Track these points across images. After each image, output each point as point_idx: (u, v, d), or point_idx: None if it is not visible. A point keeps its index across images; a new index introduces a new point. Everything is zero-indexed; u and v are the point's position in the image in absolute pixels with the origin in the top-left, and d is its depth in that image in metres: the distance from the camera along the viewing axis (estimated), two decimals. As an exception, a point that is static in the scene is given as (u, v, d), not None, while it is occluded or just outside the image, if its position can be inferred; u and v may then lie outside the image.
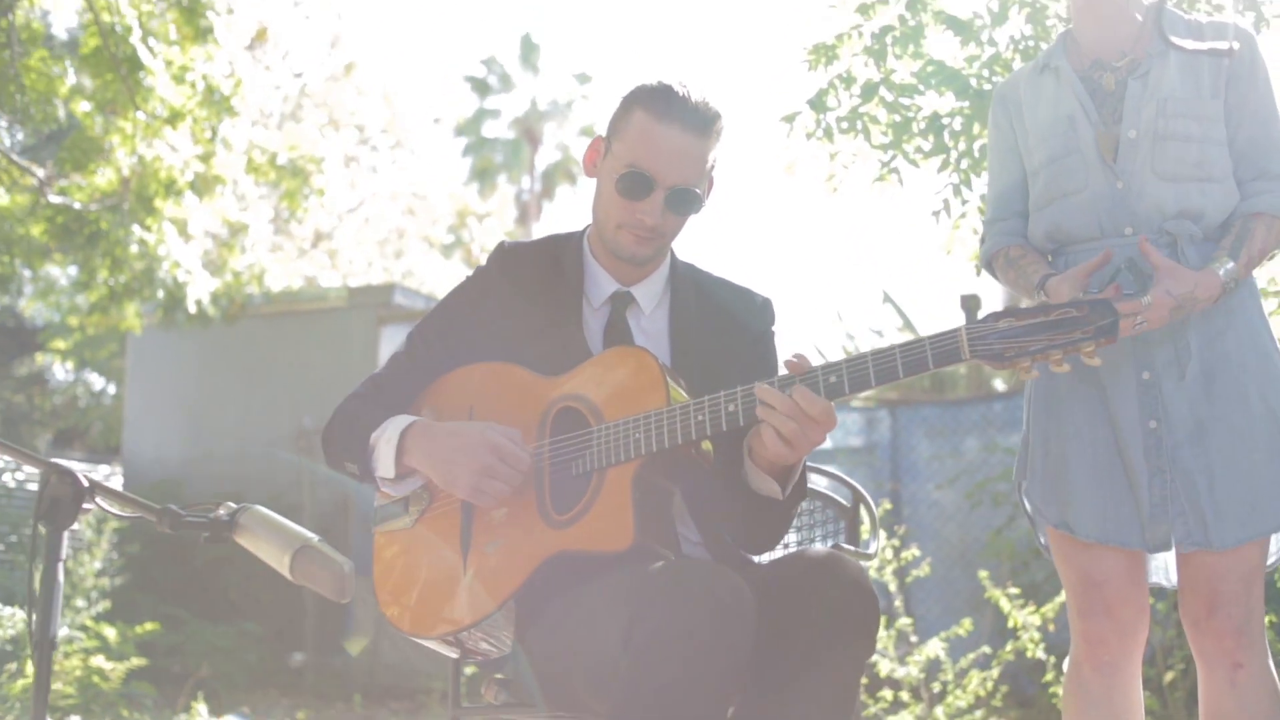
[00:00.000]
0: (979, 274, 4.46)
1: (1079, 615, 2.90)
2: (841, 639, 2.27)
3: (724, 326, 2.72)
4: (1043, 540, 3.04)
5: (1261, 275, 4.93)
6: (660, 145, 2.53)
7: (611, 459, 2.40)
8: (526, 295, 2.69)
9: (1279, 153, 2.85)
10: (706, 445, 2.45)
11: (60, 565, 2.00)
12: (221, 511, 2.11)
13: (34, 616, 1.93)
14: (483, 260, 2.83)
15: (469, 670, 5.24)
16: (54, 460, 2.06)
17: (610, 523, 2.37)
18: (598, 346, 2.65)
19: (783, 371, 2.36)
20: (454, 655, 2.68)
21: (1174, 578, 2.96)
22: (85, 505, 2.05)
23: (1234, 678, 2.76)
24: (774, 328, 2.80)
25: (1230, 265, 2.73)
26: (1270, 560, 2.85)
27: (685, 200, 2.57)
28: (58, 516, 2.01)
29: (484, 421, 2.52)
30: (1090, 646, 2.88)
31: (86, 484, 2.03)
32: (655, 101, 2.55)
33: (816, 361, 2.34)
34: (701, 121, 2.55)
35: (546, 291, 2.69)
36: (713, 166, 2.63)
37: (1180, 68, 2.86)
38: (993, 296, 10.96)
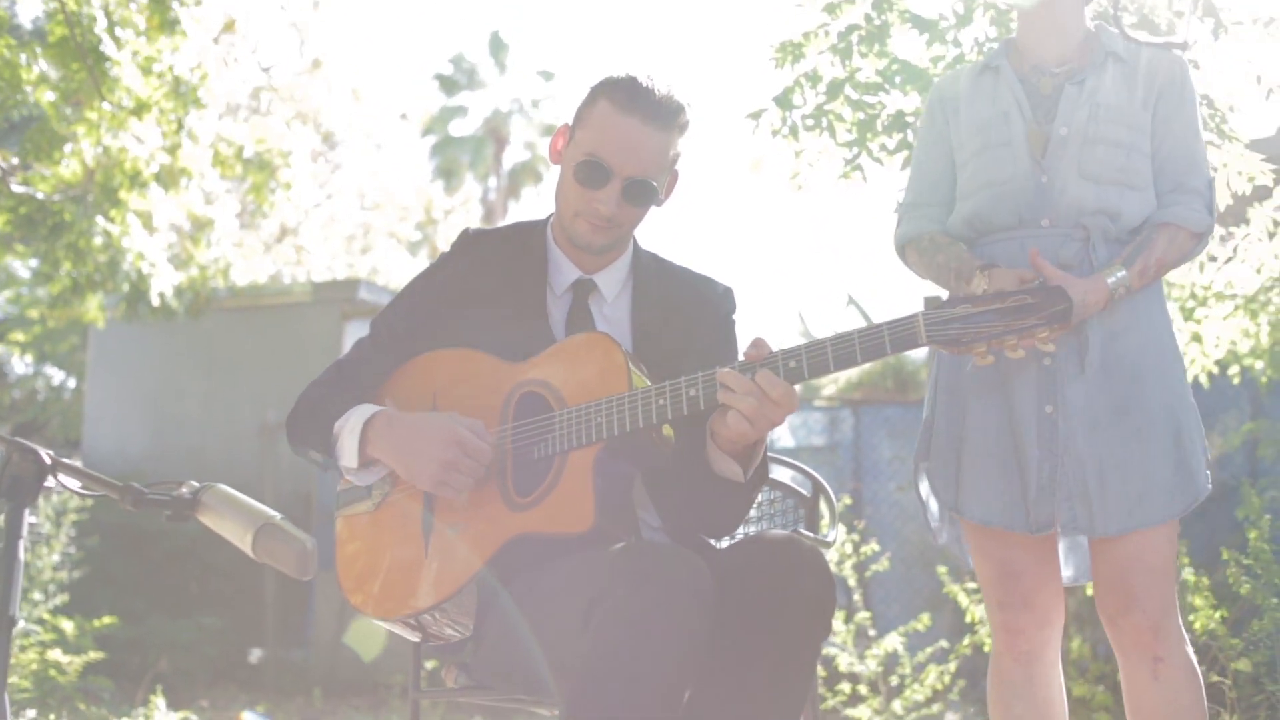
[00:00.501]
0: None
1: (998, 607, 2.98)
2: (798, 616, 2.31)
3: (685, 314, 2.75)
4: (933, 525, 3.12)
5: (1219, 279, 5.03)
6: (620, 136, 2.56)
7: (573, 442, 2.42)
8: (490, 282, 2.72)
9: (1197, 169, 2.97)
10: (668, 430, 2.48)
11: (20, 543, 2.00)
12: (184, 490, 2.11)
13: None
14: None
15: (430, 664, 5.25)
16: (16, 438, 2.06)
17: (571, 505, 2.39)
18: (560, 333, 2.67)
19: (743, 359, 2.39)
20: (416, 639, 2.69)
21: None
22: (47, 483, 2.05)
23: (1155, 670, 2.85)
24: (735, 315, 2.83)
25: (1122, 274, 2.84)
26: None
27: (642, 191, 2.60)
28: (19, 493, 2.01)
29: (447, 413, 2.53)
30: (1010, 637, 2.96)
31: (49, 461, 2.03)
32: (619, 92, 2.58)
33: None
34: (664, 114, 2.58)
35: (510, 278, 2.72)
36: (675, 160, 2.66)
37: (1116, 79, 2.98)
38: (956, 300, 11.02)
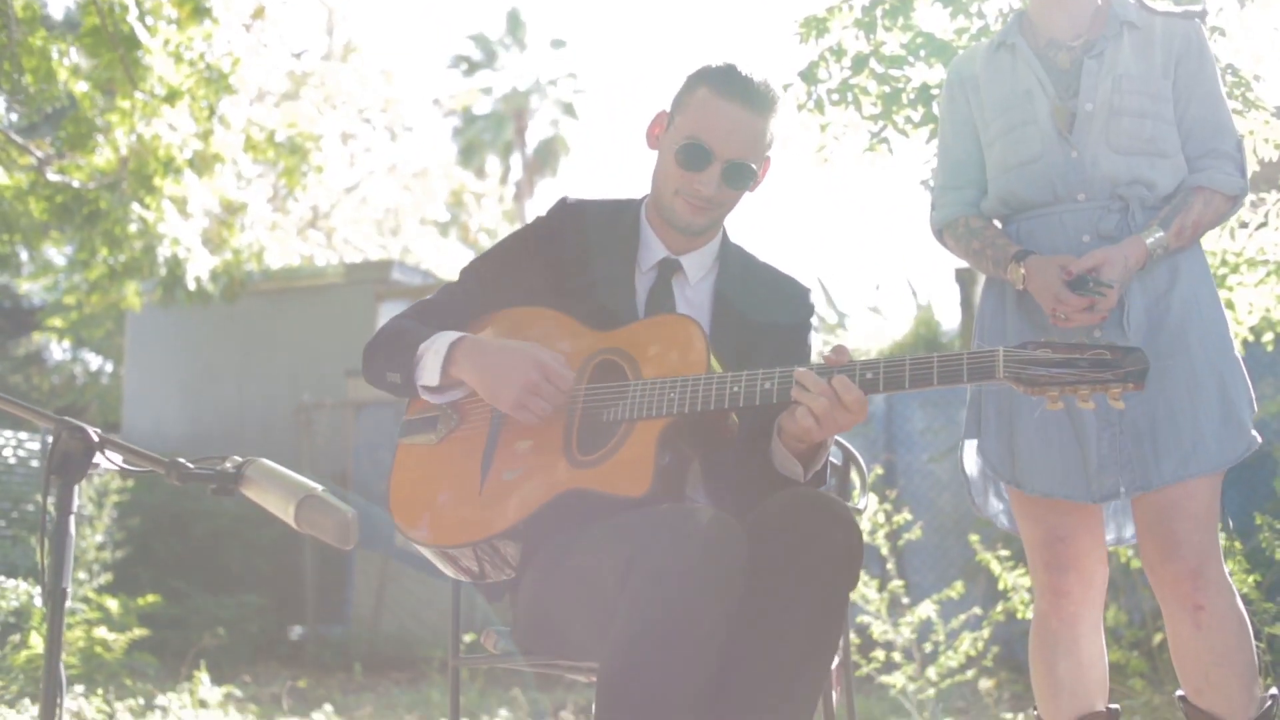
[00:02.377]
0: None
1: (1044, 569, 3.01)
2: (826, 568, 2.36)
3: (764, 308, 2.81)
4: (976, 499, 3.15)
5: (1250, 245, 5.01)
6: (721, 120, 2.66)
7: (643, 413, 2.49)
8: (582, 251, 2.81)
9: (1225, 133, 2.99)
10: (734, 419, 2.55)
11: (71, 518, 2.07)
12: (228, 465, 2.18)
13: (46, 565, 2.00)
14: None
15: (469, 637, 5.33)
16: (65, 417, 2.12)
17: (630, 470, 2.45)
18: (641, 309, 2.76)
19: (821, 362, 2.45)
20: (454, 574, 2.71)
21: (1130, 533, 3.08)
22: (95, 460, 2.12)
23: (1196, 620, 2.85)
24: (812, 318, 2.90)
25: (1160, 235, 2.88)
26: None
27: (740, 174, 2.69)
28: (69, 470, 2.08)
29: (532, 342, 2.62)
30: (1055, 599, 3.00)
31: (96, 439, 2.10)
32: (719, 79, 2.69)
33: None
34: (762, 101, 2.68)
35: (601, 250, 2.81)
36: (770, 145, 2.74)
37: (1134, 48, 3.00)
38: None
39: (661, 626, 2.21)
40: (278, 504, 2.13)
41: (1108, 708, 3.02)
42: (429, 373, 2.63)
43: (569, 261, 2.79)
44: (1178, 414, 2.87)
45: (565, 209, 2.86)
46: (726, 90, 2.66)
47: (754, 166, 2.70)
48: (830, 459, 3.32)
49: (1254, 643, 2.89)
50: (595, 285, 2.75)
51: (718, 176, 2.67)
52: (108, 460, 2.13)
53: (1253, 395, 2.97)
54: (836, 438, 3.40)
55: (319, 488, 2.12)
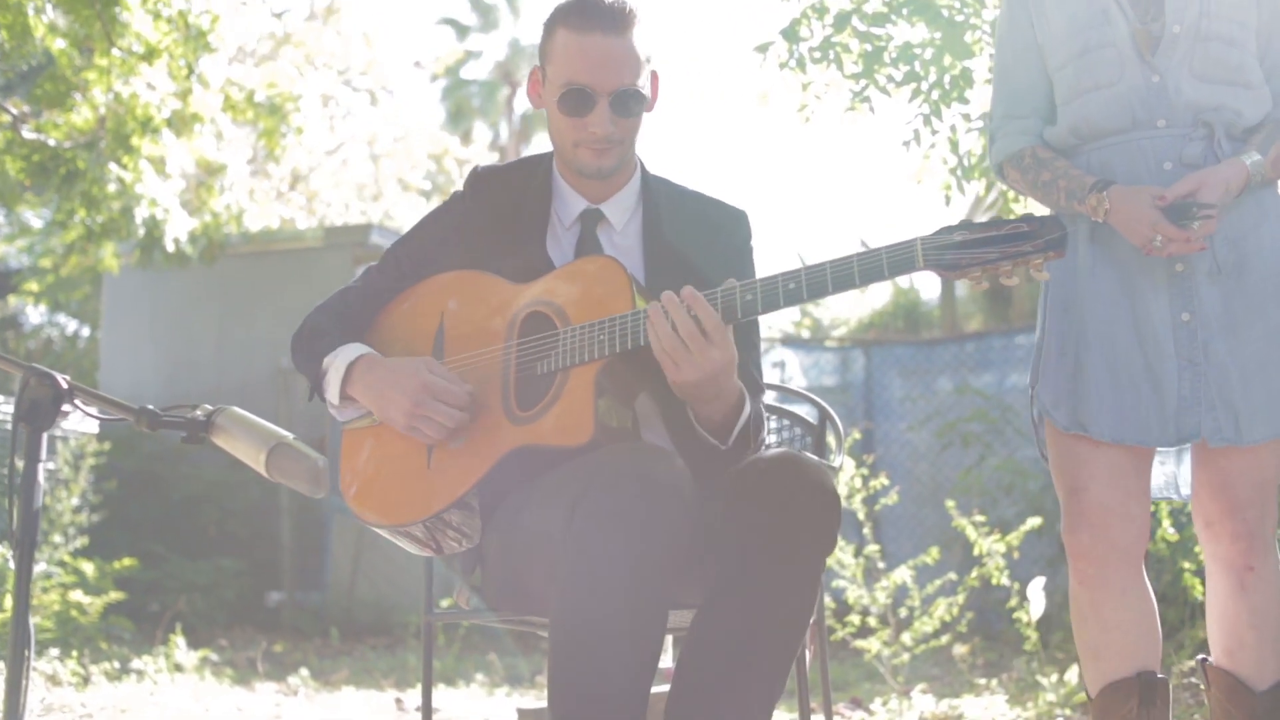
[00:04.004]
0: (948, 204, 4.52)
1: (1072, 531, 2.83)
2: (803, 533, 2.34)
3: (699, 239, 2.75)
4: (1044, 452, 2.96)
5: None
6: (587, 55, 2.58)
7: (575, 359, 2.46)
8: (498, 217, 2.76)
9: None
10: None
11: (40, 466, 2.05)
12: (198, 412, 2.16)
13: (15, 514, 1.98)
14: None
15: (445, 602, 5.32)
16: (34, 364, 2.10)
17: (571, 419, 2.43)
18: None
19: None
20: (416, 550, 2.70)
21: (1184, 490, 2.97)
22: (64, 407, 2.10)
23: (1244, 580, 2.79)
24: (751, 241, 2.84)
25: (1258, 158, 2.75)
26: None
27: (629, 101, 2.61)
28: (37, 417, 2.07)
29: (423, 358, 2.58)
30: (1083, 563, 2.81)
31: (65, 386, 2.08)
32: (571, 15, 2.61)
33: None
34: (619, 19, 2.59)
35: (517, 213, 2.76)
36: (648, 59, 2.66)
37: None
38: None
39: (603, 566, 2.20)
40: (248, 452, 2.11)
41: (1139, 673, 2.76)
42: (331, 390, 2.63)
43: (489, 229, 2.75)
44: (1269, 364, 2.76)
45: (477, 178, 2.82)
46: (581, 23, 2.58)
47: (640, 89, 2.62)
48: (806, 419, 3.32)
49: None
50: (514, 249, 2.71)
51: (607, 113, 2.60)
52: (77, 407, 2.11)
53: None
54: (815, 397, 3.39)
55: (290, 435, 2.11)
